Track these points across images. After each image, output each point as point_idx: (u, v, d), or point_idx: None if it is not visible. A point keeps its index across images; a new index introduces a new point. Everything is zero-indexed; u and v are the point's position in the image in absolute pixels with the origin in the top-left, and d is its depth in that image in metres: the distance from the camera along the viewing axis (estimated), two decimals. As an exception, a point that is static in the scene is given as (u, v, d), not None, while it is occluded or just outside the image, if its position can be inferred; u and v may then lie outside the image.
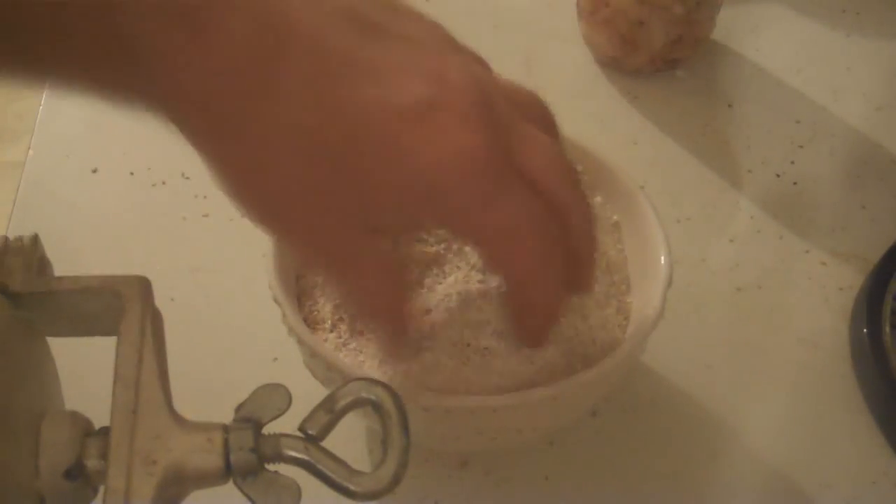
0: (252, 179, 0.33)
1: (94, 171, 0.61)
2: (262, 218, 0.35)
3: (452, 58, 0.34)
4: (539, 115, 0.38)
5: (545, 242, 0.36)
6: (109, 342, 0.33)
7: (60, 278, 0.35)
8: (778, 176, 0.62)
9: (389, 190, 0.33)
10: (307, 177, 0.33)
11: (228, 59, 0.31)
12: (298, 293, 0.45)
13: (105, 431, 0.31)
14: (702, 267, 0.57)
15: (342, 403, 0.32)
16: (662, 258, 0.44)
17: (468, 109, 0.33)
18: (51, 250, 0.36)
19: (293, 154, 0.32)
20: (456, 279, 0.42)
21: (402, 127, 0.32)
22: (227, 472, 0.31)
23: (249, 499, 0.31)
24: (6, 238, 0.35)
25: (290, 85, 0.32)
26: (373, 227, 0.35)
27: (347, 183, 0.33)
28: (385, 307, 0.38)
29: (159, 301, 0.35)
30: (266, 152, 0.33)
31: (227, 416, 0.32)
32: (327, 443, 0.32)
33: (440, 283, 0.42)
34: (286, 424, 0.32)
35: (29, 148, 0.62)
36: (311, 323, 0.44)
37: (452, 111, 0.33)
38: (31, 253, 0.34)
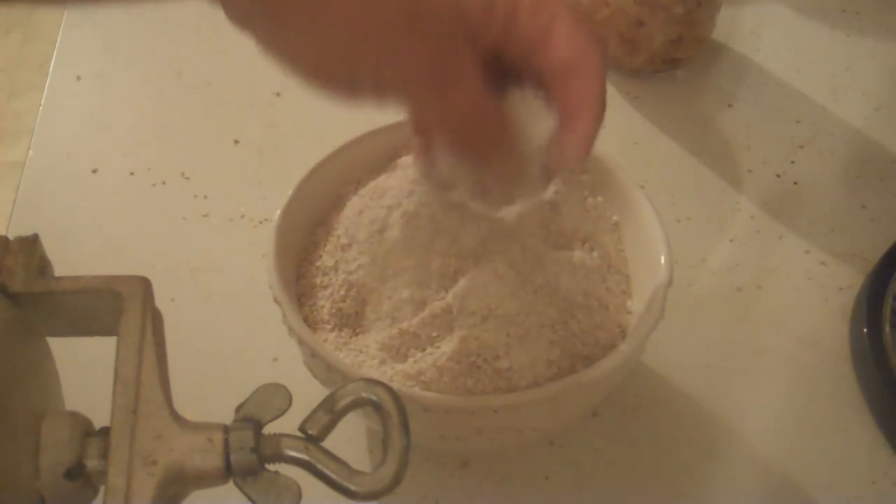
0: (338, 24, 0.34)
1: (94, 171, 0.61)
2: (363, 34, 0.35)
3: None
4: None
5: (599, 41, 0.38)
6: (109, 342, 0.33)
7: (60, 278, 0.35)
8: (778, 176, 0.62)
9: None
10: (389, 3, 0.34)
11: None
12: (299, 293, 0.45)
13: (105, 431, 0.31)
14: (702, 267, 0.57)
15: (342, 404, 0.32)
16: (662, 258, 0.44)
17: None
18: (51, 250, 0.36)
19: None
20: None
21: None
22: (228, 472, 0.31)
23: (249, 499, 0.31)
24: (6, 238, 0.35)
25: None
26: (469, 34, 0.36)
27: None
28: (487, 129, 0.38)
29: (159, 301, 0.35)
30: (330, 11, 0.33)
31: (227, 417, 0.32)
32: (327, 443, 0.32)
33: None
34: (286, 424, 0.32)
35: (29, 148, 0.62)
36: (312, 323, 0.44)
37: None
38: (31, 253, 0.34)
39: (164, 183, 0.60)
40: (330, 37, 0.34)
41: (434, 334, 0.41)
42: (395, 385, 0.33)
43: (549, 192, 0.45)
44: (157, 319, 0.34)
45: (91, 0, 0.34)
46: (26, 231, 0.35)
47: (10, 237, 0.35)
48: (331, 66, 0.35)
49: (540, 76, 0.38)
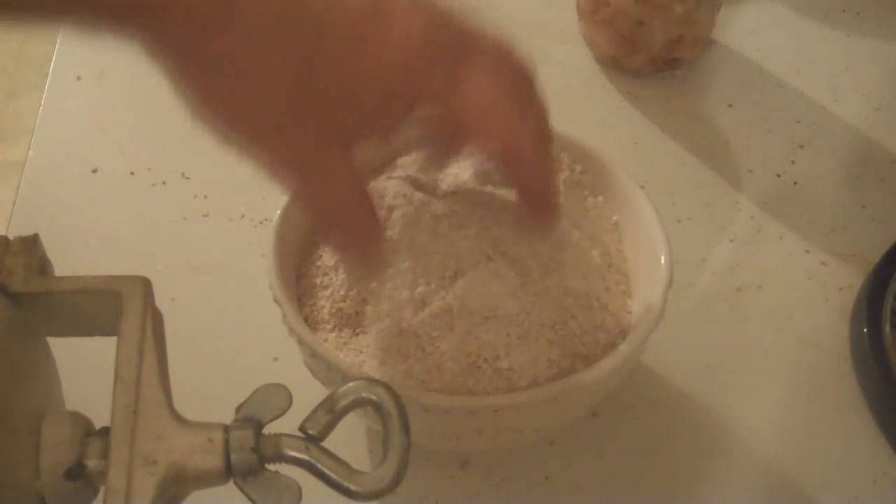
0: (227, 85, 0.34)
1: (94, 171, 0.61)
2: (235, 131, 0.35)
3: None
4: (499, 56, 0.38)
5: (519, 102, 0.37)
6: (109, 342, 0.33)
7: (60, 278, 0.35)
8: (778, 176, 0.62)
9: (357, 82, 0.34)
10: (278, 81, 0.34)
11: None
12: (299, 293, 0.45)
13: (105, 431, 0.31)
14: (702, 267, 0.57)
15: (343, 403, 0.32)
16: (662, 258, 0.44)
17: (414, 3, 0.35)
18: (51, 250, 0.36)
19: (268, 50, 0.33)
20: None
21: (362, 19, 0.34)
22: (228, 472, 0.31)
23: (250, 499, 0.31)
24: (6, 238, 0.35)
25: None
26: (349, 138, 0.36)
27: (318, 84, 0.34)
28: (360, 222, 0.38)
29: (159, 301, 0.35)
30: (241, 50, 0.33)
31: (227, 416, 0.32)
32: (328, 443, 0.32)
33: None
34: (286, 424, 0.32)
35: (29, 148, 0.62)
36: (312, 323, 0.44)
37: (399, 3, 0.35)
38: (31, 253, 0.34)
39: (164, 183, 0.60)
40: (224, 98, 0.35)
41: (434, 334, 0.41)
42: (395, 385, 0.33)
43: None
44: (157, 319, 0.34)
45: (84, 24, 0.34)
46: (26, 231, 0.35)
47: (10, 237, 0.35)
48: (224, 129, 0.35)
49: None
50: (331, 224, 0.39)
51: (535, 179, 0.39)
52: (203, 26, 0.33)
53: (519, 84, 0.37)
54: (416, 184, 0.44)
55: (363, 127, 0.36)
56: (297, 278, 0.46)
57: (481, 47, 0.36)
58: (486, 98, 0.36)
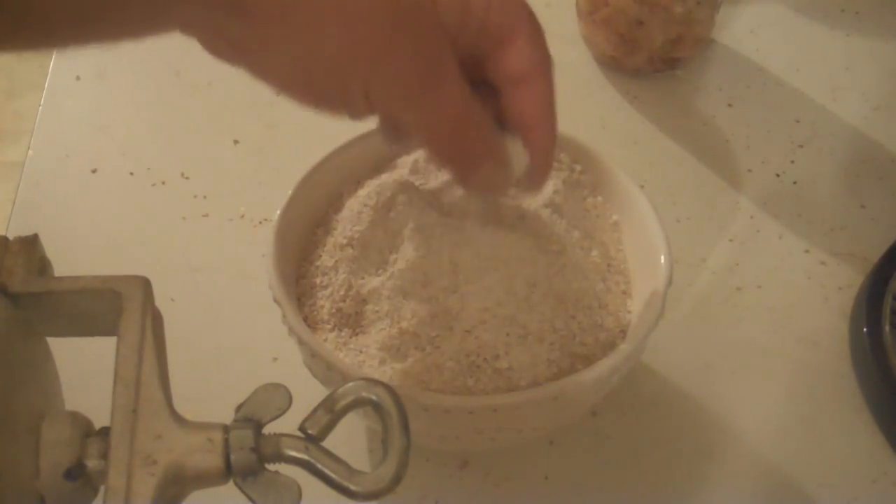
0: (318, 57, 0.34)
1: (94, 171, 0.61)
2: (349, 40, 0.35)
3: None
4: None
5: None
6: (109, 342, 0.33)
7: (60, 278, 0.35)
8: (778, 176, 0.62)
9: None
10: (371, 15, 0.34)
11: None
12: (299, 293, 0.45)
13: (105, 431, 0.31)
14: (702, 267, 0.57)
15: (342, 403, 0.32)
16: (662, 258, 0.44)
17: None
18: (51, 250, 0.36)
19: (343, 20, 0.33)
20: None
21: None
22: (228, 471, 0.31)
23: (250, 499, 0.31)
24: (6, 238, 0.35)
25: None
26: (446, 53, 0.36)
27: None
28: (471, 140, 0.38)
29: (159, 301, 0.35)
30: (315, 31, 0.33)
31: (227, 416, 0.32)
32: (327, 443, 0.32)
33: None
34: (286, 424, 0.32)
35: (29, 148, 0.62)
36: (312, 323, 0.44)
37: None
38: (31, 253, 0.34)
39: (163, 183, 0.60)
40: (317, 53, 0.34)
41: (433, 334, 0.41)
42: (395, 385, 0.33)
43: (548, 193, 0.45)
44: (157, 319, 0.34)
45: (73, 43, 0.34)
46: (26, 231, 0.35)
47: (10, 237, 0.35)
48: (321, 81, 0.35)
49: (494, 82, 0.39)
50: (442, 141, 0.38)
51: (549, 146, 0.40)
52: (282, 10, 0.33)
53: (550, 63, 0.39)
54: (415, 191, 0.44)
55: (450, 40, 0.36)
56: (297, 278, 0.46)
57: None
58: (534, 20, 0.38)
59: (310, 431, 0.32)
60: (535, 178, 0.41)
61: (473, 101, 0.37)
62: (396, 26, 0.34)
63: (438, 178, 0.45)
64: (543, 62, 0.39)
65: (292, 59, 0.35)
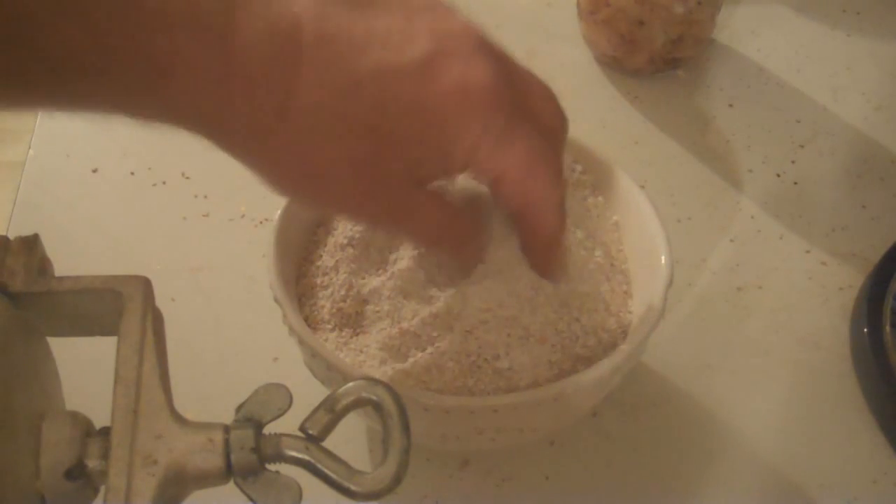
0: (300, 172, 0.35)
1: (94, 171, 0.61)
2: (321, 203, 0.38)
3: (446, 11, 0.36)
4: (542, 96, 0.39)
5: (553, 173, 0.38)
6: (109, 342, 0.33)
7: (60, 278, 0.35)
8: (778, 176, 0.62)
9: (421, 142, 0.35)
10: (349, 152, 0.34)
11: (249, 63, 0.32)
12: (299, 293, 0.45)
13: (106, 431, 0.31)
14: (702, 267, 0.57)
15: (343, 403, 0.32)
16: (663, 258, 0.44)
17: (472, 51, 0.35)
18: (51, 250, 0.36)
19: (331, 138, 0.34)
20: None
21: (417, 80, 0.34)
22: (228, 471, 0.31)
23: (250, 499, 0.31)
24: (6, 238, 0.35)
25: (309, 77, 0.33)
26: (419, 179, 0.37)
27: (386, 146, 0.35)
28: (457, 234, 0.40)
29: (159, 301, 0.35)
30: (305, 144, 0.34)
31: (227, 416, 0.32)
32: (327, 443, 0.32)
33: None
34: (287, 424, 0.32)
35: (29, 148, 0.62)
36: (312, 323, 0.44)
37: (458, 55, 0.35)
38: (31, 253, 0.34)
39: (164, 183, 0.60)
40: (289, 193, 0.37)
41: (434, 334, 0.41)
42: (395, 385, 0.33)
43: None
44: (157, 319, 0.34)
45: (66, 107, 0.35)
46: (26, 231, 0.35)
47: (11, 237, 0.35)
48: (303, 193, 0.37)
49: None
50: (433, 245, 0.41)
51: (547, 245, 0.41)
52: (265, 133, 0.33)
53: (554, 139, 0.39)
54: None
55: (431, 173, 0.37)
56: (297, 278, 0.46)
57: (530, 103, 0.37)
58: (526, 161, 0.37)
59: (310, 431, 0.32)
60: (536, 264, 0.42)
61: (448, 207, 0.39)
62: (358, 178, 0.35)
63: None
64: (532, 204, 0.39)
65: (275, 179, 0.36)
